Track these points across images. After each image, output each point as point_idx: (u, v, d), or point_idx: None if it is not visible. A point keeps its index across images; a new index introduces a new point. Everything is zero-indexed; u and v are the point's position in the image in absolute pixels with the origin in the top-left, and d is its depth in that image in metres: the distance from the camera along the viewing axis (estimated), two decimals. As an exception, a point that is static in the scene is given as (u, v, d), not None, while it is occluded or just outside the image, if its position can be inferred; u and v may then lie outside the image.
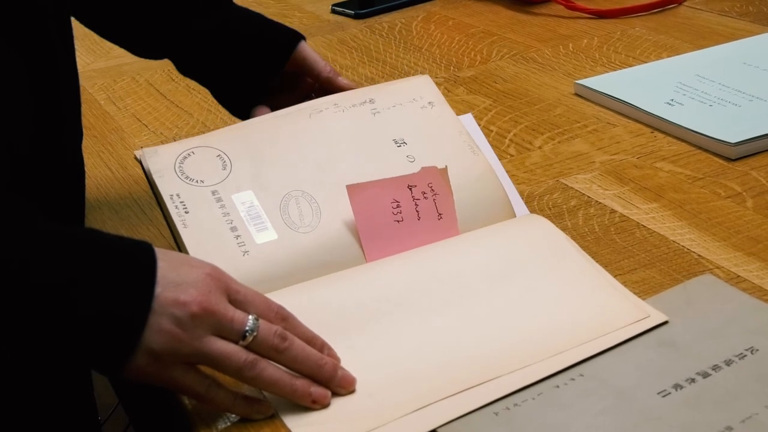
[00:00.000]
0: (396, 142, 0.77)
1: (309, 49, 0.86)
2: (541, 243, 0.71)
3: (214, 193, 0.71)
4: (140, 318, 0.53)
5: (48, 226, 0.55)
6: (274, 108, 0.83)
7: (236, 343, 0.55)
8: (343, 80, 0.85)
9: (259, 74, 0.85)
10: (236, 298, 0.57)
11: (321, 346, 0.59)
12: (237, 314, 0.56)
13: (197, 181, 0.71)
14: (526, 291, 0.66)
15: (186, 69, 0.88)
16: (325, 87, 0.86)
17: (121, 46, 0.89)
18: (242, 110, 0.86)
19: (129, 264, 0.55)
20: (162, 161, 0.72)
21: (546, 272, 0.68)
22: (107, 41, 0.91)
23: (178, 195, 0.70)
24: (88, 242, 0.56)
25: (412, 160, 0.76)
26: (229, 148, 0.74)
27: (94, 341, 0.53)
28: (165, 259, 0.56)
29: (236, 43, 0.85)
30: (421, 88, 0.82)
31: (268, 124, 0.78)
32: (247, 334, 0.55)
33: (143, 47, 0.89)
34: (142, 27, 0.86)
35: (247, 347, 0.56)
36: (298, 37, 0.86)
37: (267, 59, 0.85)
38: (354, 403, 0.58)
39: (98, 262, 0.54)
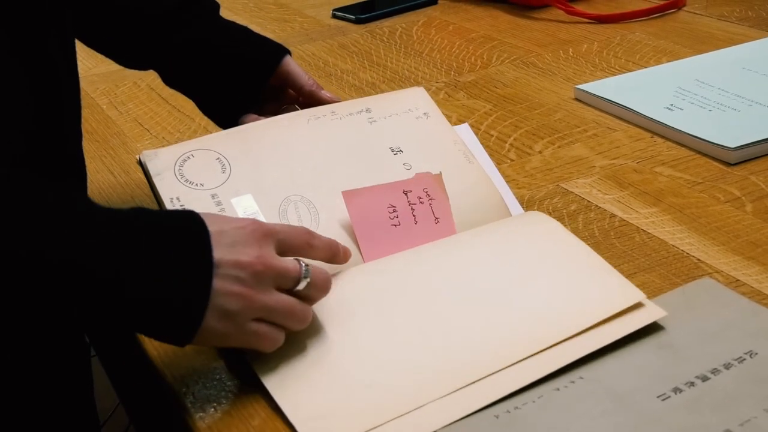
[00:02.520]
0: (392, 150, 0.78)
1: (293, 63, 0.86)
2: (539, 233, 0.71)
3: (213, 196, 0.71)
4: (204, 286, 0.55)
5: (92, 210, 0.55)
6: (260, 116, 0.84)
7: (291, 290, 0.60)
8: (325, 94, 0.86)
9: (244, 89, 0.86)
10: (278, 238, 0.60)
11: (344, 252, 0.67)
12: (289, 264, 0.59)
13: (197, 185, 0.72)
14: (525, 277, 0.67)
15: (170, 81, 0.89)
16: (307, 101, 0.86)
17: (106, 56, 0.90)
18: (228, 122, 0.86)
19: (183, 236, 0.56)
20: (162, 163, 0.73)
21: (542, 257, 0.68)
22: None
23: (178, 198, 0.71)
24: (137, 221, 0.56)
25: (409, 167, 0.77)
26: (228, 152, 0.75)
27: (161, 320, 0.55)
28: (212, 223, 0.57)
29: (220, 58, 0.85)
30: (416, 99, 0.84)
31: (266, 129, 0.78)
32: (303, 280, 0.60)
33: (127, 58, 0.89)
34: (126, 39, 0.86)
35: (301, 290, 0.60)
36: (282, 51, 0.87)
37: (251, 75, 0.85)
38: (355, 397, 0.58)
39: (152, 241, 0.55)
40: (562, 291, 0.65)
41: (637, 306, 0.64)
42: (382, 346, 0.62)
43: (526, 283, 0.66)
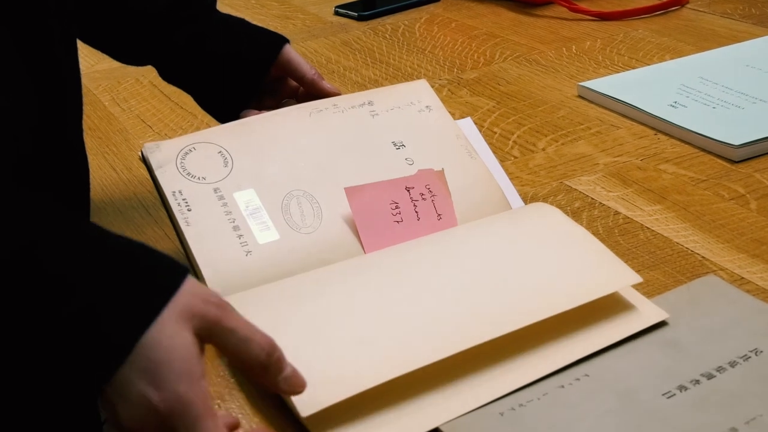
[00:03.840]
0: (395, 145, 0.78)
1: (293, 51, 0.86)
2: (538, 216, 0.72)
3: (216, 190, 0.71)
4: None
5: (81, 228, 0.52)
6: (260, 111, 0.83)
7: None
8: (326, 84, 0.85)
9: (243, 84, 0.85)
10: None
11: None
12: None
13: (199, 178, 0.72)
14: (522, 254, 0.67)
15: (168, 77, 0.88)
16: (308, 90, 0.86)
17: (103, 51, 0.89)
18: (227, 116, 0.85)
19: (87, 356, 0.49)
20: (163, 156, 0.72)
21: (543, 236, 0.69)
22: None
23: (180, 192, 0.71)
24: (119, 248, 0.52)
25: (411, 162, 0.77)
26: (230, 145, 0.75)
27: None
28: (133, 367, 0.48)
29: (218, 55, 0.84)
30: (419, 92, 0.83)
31: (268, 122, 0.78)
32: None
33: (124, 54, 0.89)
34: (122, 35, 0.86)
35: None
36: (282, 40, 0.86)
37: (250, 70, 0.85)
38: (346, 361, 0.57)
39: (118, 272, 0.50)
40: (558, 268, 0.65)
41: (640, 307, 0.64)
42: (377, 313, 0.61)
43: (523, 259, 0.66)
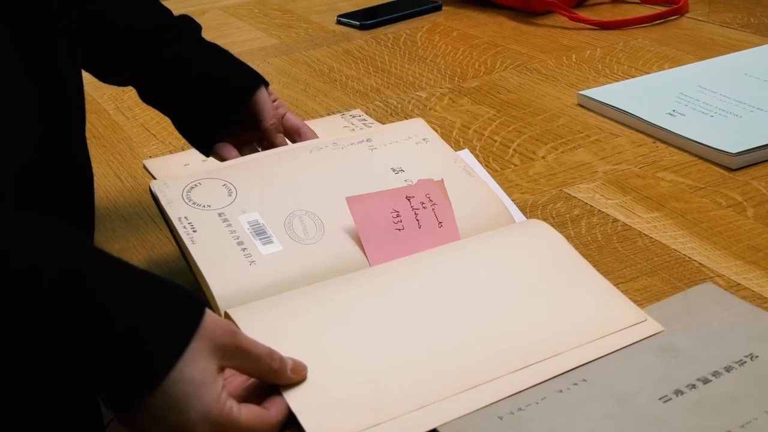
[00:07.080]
0: (394, 171, 0.80)
1: (266, 96, 0.86)
2: (541, 246, 0.72)
3: (220, 215, 0.74)
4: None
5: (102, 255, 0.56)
6: (237, 144, 0.85)
7: None
8: (281, 137, 0.85)
9: (218, 114, 0.85)
10: None
11: None
12: None
13: (204, 206, 0.74)
14: (525, 292, 0.67)
15: (149, 96, 0.88)
16: (262, 137, 0.86)
17: (86, 69, 0.89)
18: (202, 143, 0.86)
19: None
20: (171, 193, 0.75)
21: (545, 274, 0.69)
22: None
23: (186, 217, 0.73)
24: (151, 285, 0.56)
25: (411, 183, 0.78)
26: (233, 178, 0.78)
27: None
28: (160, 394, 0.54)
29: (203, 71, 0.85)
30: (416, 128, 0.87)
31: (270, 158, 0.82)
32: None
33: (107, 73, 0.89)
34: (107, 53, 0.86)
35: None
36: (259, 81, 0.86)
37: (226, 101, 0.85)
38: (359, 394, 0.59)
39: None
40: (564, 309, 0.66)
41: (636, 318, 0.65)
42: (387, 347, 0.62)
43: (528, 298, 0.67)
